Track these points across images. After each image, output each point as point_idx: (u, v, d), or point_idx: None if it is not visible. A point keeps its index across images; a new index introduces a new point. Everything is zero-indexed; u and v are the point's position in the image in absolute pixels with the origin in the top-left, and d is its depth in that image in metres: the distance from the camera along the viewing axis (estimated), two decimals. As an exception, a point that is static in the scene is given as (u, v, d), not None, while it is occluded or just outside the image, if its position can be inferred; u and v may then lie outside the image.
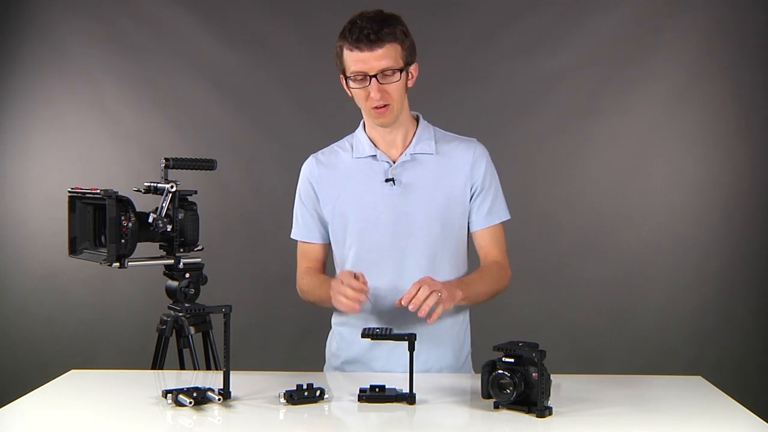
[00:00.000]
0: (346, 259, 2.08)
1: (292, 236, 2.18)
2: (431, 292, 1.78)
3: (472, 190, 2.06)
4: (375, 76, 1.90)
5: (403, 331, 1.74)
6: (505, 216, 2.12)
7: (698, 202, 3.83)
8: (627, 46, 3.81)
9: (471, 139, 2.13)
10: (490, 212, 2.08)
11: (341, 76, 2.00)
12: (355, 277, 1.87)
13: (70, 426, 1.64)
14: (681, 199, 3.83)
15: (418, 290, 1.78)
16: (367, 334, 1.74)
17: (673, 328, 3.81)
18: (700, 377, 1.96)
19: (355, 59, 1.90)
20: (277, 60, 3.87)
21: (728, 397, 1.79)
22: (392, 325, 2.01)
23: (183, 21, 3.92)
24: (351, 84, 1.94)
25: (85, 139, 3.96)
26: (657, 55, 3.79)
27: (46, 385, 1.91)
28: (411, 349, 1.73)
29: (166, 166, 2.35)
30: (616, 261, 3.84)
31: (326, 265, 2.20)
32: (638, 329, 3.83)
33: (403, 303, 1.78)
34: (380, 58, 1.89)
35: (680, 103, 3.81)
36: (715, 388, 1.87)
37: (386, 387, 1.74)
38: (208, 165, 2.47)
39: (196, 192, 2.42)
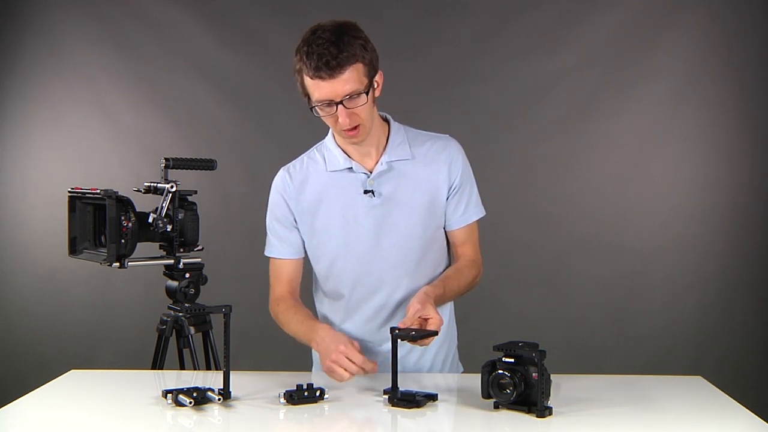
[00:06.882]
0: (329, 273, 2.06)
1: (267, 254, 2.10)
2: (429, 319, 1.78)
3: (450, 191, 2.03)
4: (341, 102, 1.81)
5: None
6: (480, 213, 2.07)
7: (698, 202, 3.83)
8: (627, 46, 3.81)
9: (444, 136, 2.08)
10: (465, 211, 2.05)
11: (305, 97, 1.88)
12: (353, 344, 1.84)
13: (70, 426, 1.64)
14: (681, 199, 3.83)
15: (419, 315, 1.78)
16: (398, 334, 1.71)
17: (673, 328, 3.82)
18: (700, 377, 1.96)
19: (317, 87, 1.81)
20: (277, 60, 3.86)
21: (728, 397, 1.78)
22: (380, 333, 2.03)
23: (183, 21, 3.92)
24: (318, 111, 1.86)
25: (85, 139, 3.96)
26: (657, 55, 3.79)
27: (46, 385, 1.91)
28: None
29: (166, 166, 2.35)
30: (617, 261, 3.84)
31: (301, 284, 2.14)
32: (638, 329, 3.83)
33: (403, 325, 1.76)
34: (344, 83, 1.79)
35: (680, 103, 3.81)
36: (715, 388, 1.86)
37: (407, 390, 1.74)
38: (208, 165, 2.47)
39: (196, 192, 2.41)
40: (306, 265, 2.11)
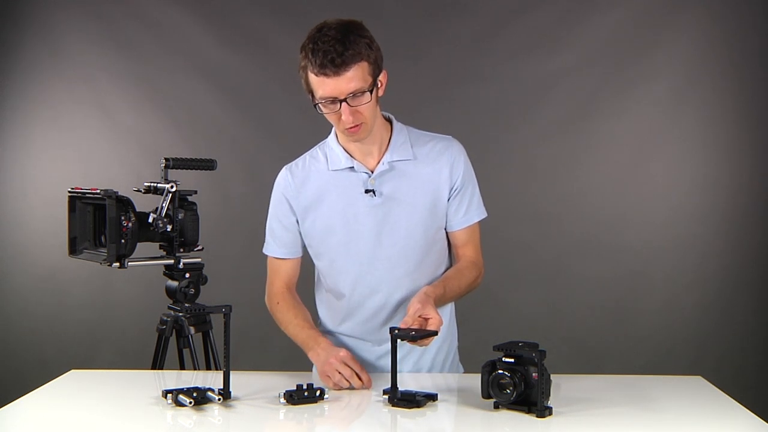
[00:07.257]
0: (329, 271, 2.06)
1: (265, 252, 2.11)
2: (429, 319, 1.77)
3: (451, 192, 2.02)
4: (345, 99, 1.82)
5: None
6: (481, 214, 2.07)
7: (698, 202, 3.83)
8: (627, 46, 3.81)
9: (446, 137, 2.08)
10: (467, 213, 2.04)
11: (308, 95, 1.89)
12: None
13: (70, 426, 1.64)
14: (681, 199, 3.84)
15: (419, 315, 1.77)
16: (398, 334, 1.70)
17: (673, 328, 3.82)
18: (700, 377, 1.96)
19: (322, 84, 1.82)
20: (277, 60, 3.86)
21: (728, 397, 1.79)
22: (380, 333, 2.03)
23: (183, 21, 3.92)
24: (321, 109, 1.87)
25: (85, 139, 3.96)
26: (657, 55, 3.79)
27: (46, 385, 1.92)
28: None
29: (166, 166, 2.35)
30: (617, 261, 3.84)
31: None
32: (638, 329, 3.83)
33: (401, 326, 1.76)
34: (348, 80, 1.80)
35: (680, 103, 3.81)
36: (715, 388, 1.86)
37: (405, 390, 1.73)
38: (208, 165, 2.47)
39: (196, 192, 2.42)
40: (308, 263, 2.11)
